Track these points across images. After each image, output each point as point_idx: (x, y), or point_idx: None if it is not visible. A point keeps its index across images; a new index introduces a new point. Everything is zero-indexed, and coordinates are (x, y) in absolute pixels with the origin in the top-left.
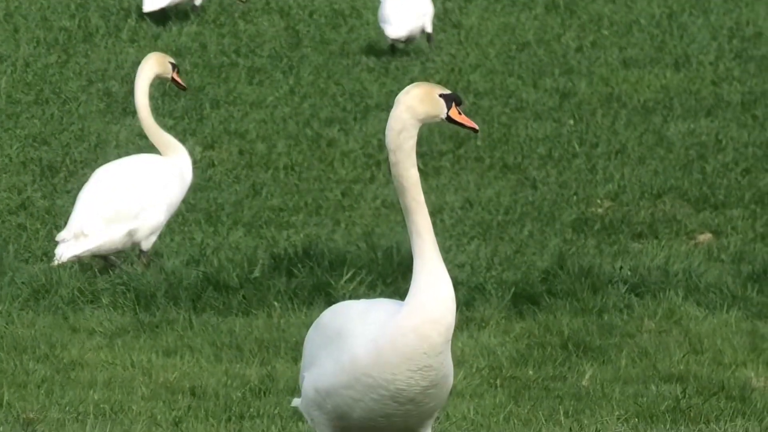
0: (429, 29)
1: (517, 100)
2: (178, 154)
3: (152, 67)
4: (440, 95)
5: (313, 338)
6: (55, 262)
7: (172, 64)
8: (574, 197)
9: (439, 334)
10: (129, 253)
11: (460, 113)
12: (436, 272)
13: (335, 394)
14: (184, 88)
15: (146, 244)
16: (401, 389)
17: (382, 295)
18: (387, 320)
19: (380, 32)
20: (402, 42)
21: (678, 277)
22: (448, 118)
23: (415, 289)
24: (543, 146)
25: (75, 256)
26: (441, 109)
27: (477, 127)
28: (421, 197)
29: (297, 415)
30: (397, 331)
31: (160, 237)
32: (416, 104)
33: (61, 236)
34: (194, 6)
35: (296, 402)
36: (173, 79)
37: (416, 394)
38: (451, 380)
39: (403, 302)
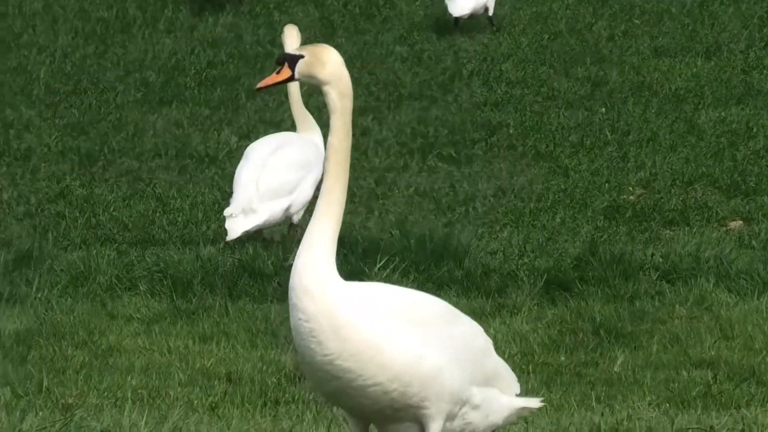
0: (491, 11)
1: (549, 89)
2: (314, 131)
3: None
4: None
5: None
6: (228, 238)
7: None
8: (606, 185)
9: (299, 299)
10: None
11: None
12: (307, 241)
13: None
14: None
15: (297, 218)
16: (316, 361)
17: (415, 282)
18: None
19: (444, 9)
20: (465, 18)
21: (709, 264)
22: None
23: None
24: (575, 134)
25: (245, 231)
26: None
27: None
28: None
29: None
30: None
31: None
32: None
33: (228, 212)
34: None
35: None
36: None
37: (336, 366)
38: (395, 354)
39: None
